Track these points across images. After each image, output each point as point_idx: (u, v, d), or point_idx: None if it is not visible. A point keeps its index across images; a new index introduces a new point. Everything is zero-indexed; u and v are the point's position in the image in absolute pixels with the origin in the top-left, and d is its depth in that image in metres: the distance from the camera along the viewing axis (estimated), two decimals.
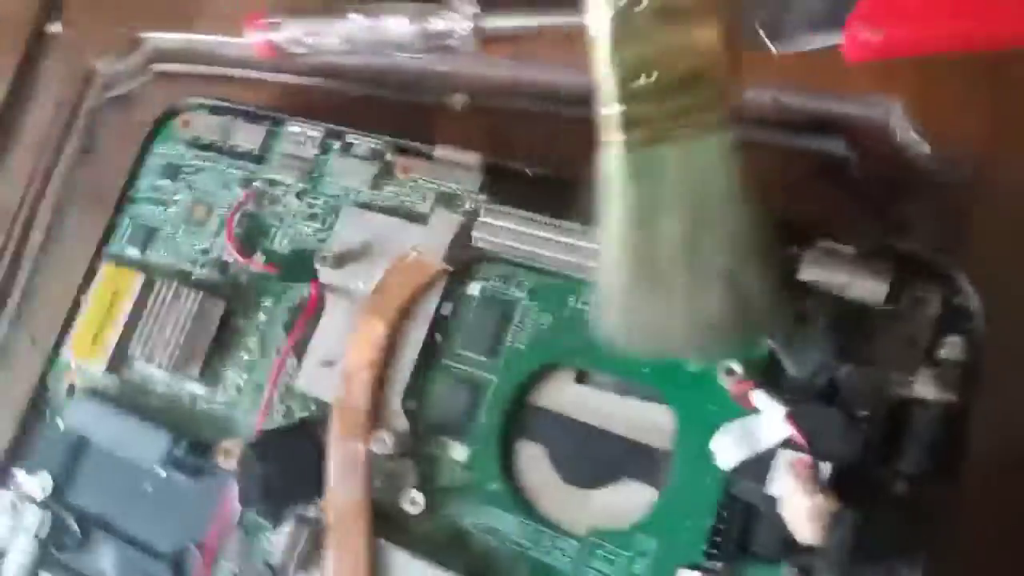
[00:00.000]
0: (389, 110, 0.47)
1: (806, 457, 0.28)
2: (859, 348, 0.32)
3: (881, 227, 0.35)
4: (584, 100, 0.44)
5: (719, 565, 0.32)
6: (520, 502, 0.36)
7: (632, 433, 0.36)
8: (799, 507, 0.27)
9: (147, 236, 0.47)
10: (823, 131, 0.40)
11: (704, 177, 0.27)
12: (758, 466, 0.31)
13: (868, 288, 0.32)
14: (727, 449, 0.30)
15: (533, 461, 0.37)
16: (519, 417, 0.38)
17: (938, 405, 0.31)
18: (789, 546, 0.30)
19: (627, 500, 0.35)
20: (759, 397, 0.30)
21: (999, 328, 0.31)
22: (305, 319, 0.41)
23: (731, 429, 0.31)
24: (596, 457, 0.36)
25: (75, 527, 0.44)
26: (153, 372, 0.44)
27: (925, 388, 0.31)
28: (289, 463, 0.39)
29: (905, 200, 0.37)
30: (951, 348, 0.31)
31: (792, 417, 0.29)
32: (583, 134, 0.43)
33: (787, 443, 0.29)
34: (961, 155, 0.37)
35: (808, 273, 0.33)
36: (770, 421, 0.30)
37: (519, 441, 0.38)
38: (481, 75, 0.46)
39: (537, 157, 0.41)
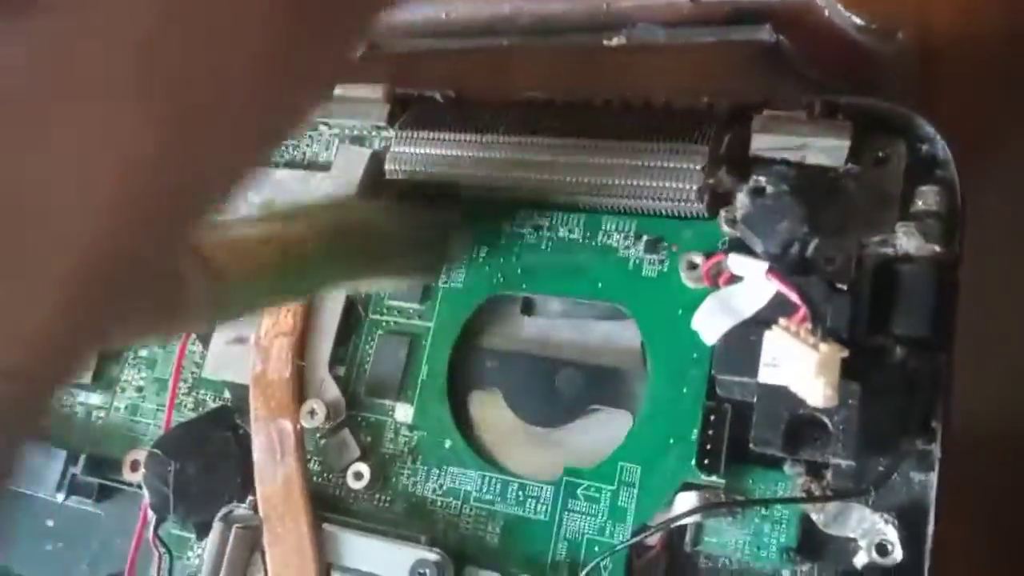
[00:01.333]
0: None
1: (799, 311, 0.25)
2: (829, 215, 0.29)
3: (826, 94, 0.32)
4: (490, 31, 0.41)
5: (718, 479, 0.28)
6: (480, 456, 0.32)
7: (594, 358, 0.32)
8: (805, 367, 0.23)
9: None
10: (747, 21, 0.37)
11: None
12: (743, 358, 0.27)
13: (827, 149, 0.29)
14: (710, 322, 0.27)
15: (489, 410, 0.33)
16: (466, 364, 0.33)
17: (924, 259, 0.28)
18: (790, 441, 0.27)
19: (601, 432, 0.31)
20: (736, 260, 0.27)
21: (971, 169, 0.29)
22: None
23: (710, 303, 0.27)
24: (559, 391, 0.32)
25: None
26: None
27: (907, 242, 0.28)
28: (206, 458, 0.33)
29: (845, 71, 0.35)
30: (926, 198, 0.28)
31: (774, 271, 0.26)
32: (486, 63, 0.40)
33: (772, 316, 0.26)
34: (893, 20, 0.35)
35: (759, 143, 0.30)
36: (751, 284, 0.26)
37: (470, 393, 0.33)
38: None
39: (446, 86, 0.37)
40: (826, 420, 0.26)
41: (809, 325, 0.25)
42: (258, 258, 0.27)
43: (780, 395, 0.26)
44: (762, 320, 0.27)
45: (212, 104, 0.14)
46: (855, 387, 0.26)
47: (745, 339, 0.27)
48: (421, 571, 0.29)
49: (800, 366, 0.24)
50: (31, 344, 0.13)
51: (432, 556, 0.29)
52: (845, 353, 0.24)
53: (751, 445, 0.26)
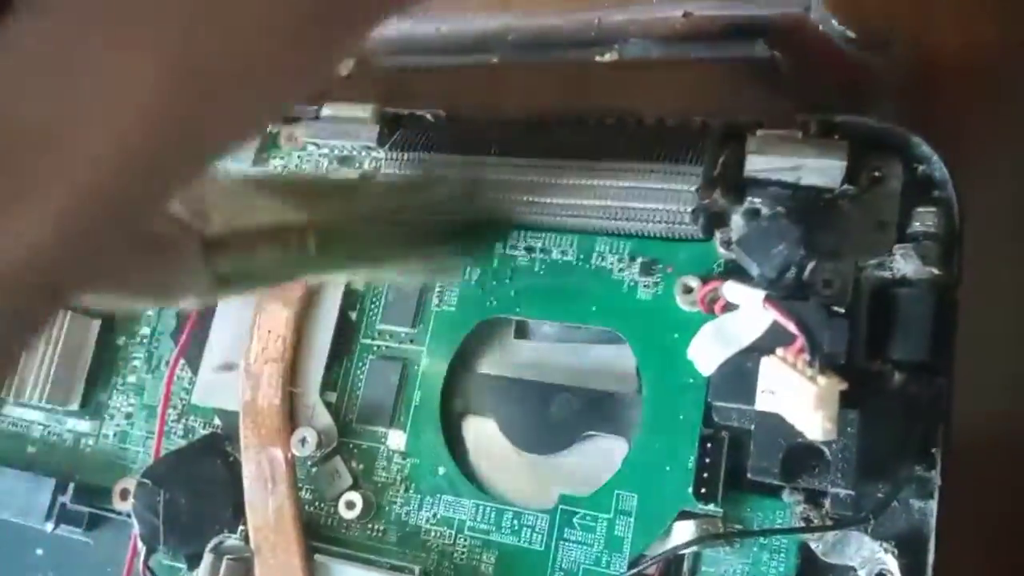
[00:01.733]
0: None
1: (797, 341, 0.24)
2: (825, 237, 0.28)
3: (822, 112, 0.32)
4: (480, 47, 0.40)
5: (716, 508, 0.27)
6: (474, 484, 0.31)
7: (589, 382, 0.31)
8: (804, 400, 0.23)
9: None
10: (742, 36, 0.37)
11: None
12: (739, 385, 0.27)
13: (823, 169, 0.28)
14: (706, 352, 0.26)
15: (483, 437, 0.32)
16: (459, 389, 0.33)
17: (922, 281, 0.27)
18: (788, 469, 0.26)
19: (596, 458, 0.31)
20: (731, 288, 0.26)
21: (970, 191, 0.28)
22: (193, 323, 0.35)
23: (707, 332, 0.26)
24: (553, 417, 0.31)
25: None
26: (24, 414, 0.38)
27: (905, 265, 0.27)
28: (196, 487, 0.33)
29: (841, 86, 0.34)
30: (923, 219, 0.28)
31: (771, 300, 0.25)
32: (476, 81, 0.39)
33: (769, 344, 0.25)
34: (887, 33, 0.34)
35: (754, 164, 0.29)
36: (747, 312, 0.26)
37: (464, 418, 0.33)
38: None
39: (436, 104, 0.36)
40: (824, 449, 0.25)
41: (807, 356, 0.24)
42: (264, 232, 0.26)
43: (777, 423, 0.26)
44: (759, 348, 0.27)
45: (225, 59, 0.14)
46: (853, 415, 0.25)
47: (742, 366, 0.27)
48: None
49: (798, 398, 0.23)
50: (23, 259, 0.14)
51: None
52: (844, 386, 0.24)
53: (748, 474, 0.26)
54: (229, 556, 0.31)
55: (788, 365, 0.24)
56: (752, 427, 0.26)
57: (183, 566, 0.33)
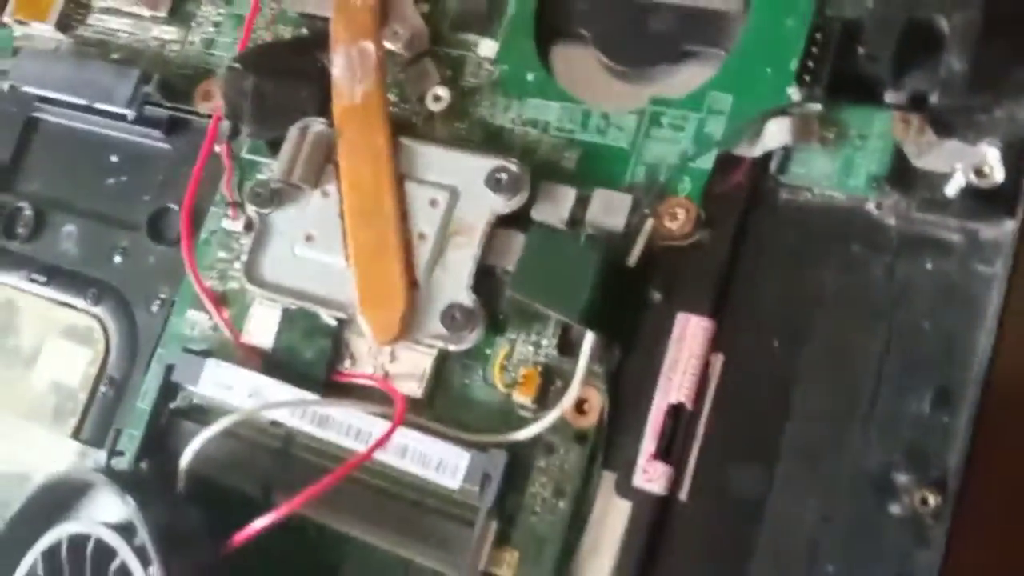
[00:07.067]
0: None
1: None
2: None
3: None
4: None
5: (814, 105, 0.27)
6: (563, 88, 0.31)
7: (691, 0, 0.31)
8: None
9: None
10: None
11: None
12: None
13: None
14: None
15: (576, 57, 0.32)
16: (554, 5, 0.32)
17: None
18: (901, 52, 0.26)
19: (693, 71, 0.30)
20: None
21: None
22: None
23: None
24: (651, 32, 0.31)
25: (28, 211, 0.38)
26: (111, 22, 0.38)
27: None
28: (284, 78, 0.33)
29: None
30: None
31: None
32: None
33: None
34: None
35: None
36: None
37: (557, 40, 0.33)
38: None
39: None
40: (944, 23, 0.25)
41: None
42: None
43: None
44: None
45: None
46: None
47: None
48: (499, 176, 0.29)
49: None
50: None
51: (512, 165, 0.29)
52: None
53: (860, 49, 0.25)
54: (314, 131, 0.31)
55: None
56: (869, 3, 0.25)
57: (263, 159, 0.34)
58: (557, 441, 0.28)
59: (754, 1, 0.29)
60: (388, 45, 0.32)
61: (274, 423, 0.30)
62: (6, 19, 0.39)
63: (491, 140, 0.31)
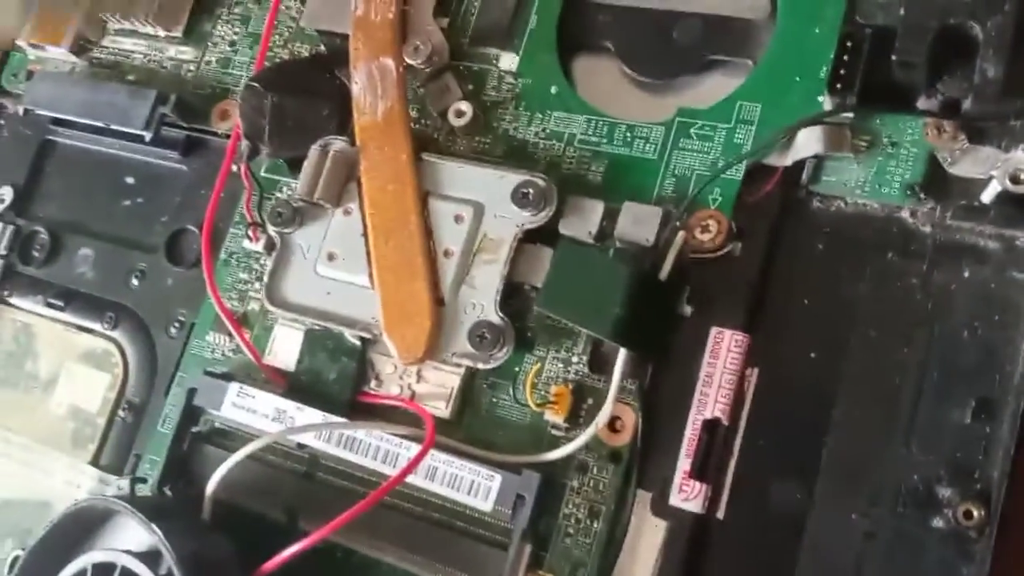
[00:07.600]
0: None
1: None
2: None
3: None
4: None
5: (845, 114, 0.26)
6: (587, 101, 0.31)
7: (716, 9, 0.30)
8: None
9: None
10: None
11: None
12: None
13: None
14: None
15: (598, 69, 0.32)
16: (576, 18, 0.32)
17: None
18: (934, 57, 0.25)
19: (718, 80, 0.30)
20: None
21: None
22: None
23: None
24: (675, 42, 0.31)
25: (44, 234, 0.38)
26: (126, 44, 0.38)
27: None
28: (303, 97, 0.32)
29: None
30: None
31: None
32: None
33: None
34: None
35: None
36: None
37: (579, 52, 0.32)
38: None
39: None
40: (977, 29, 0.24)
41: None
42: None
43: (929, 3, 0.25)
44: None
45: None
46: None
47: None
48: (524, 190, 0.28)
49: None
50: None
51: (538, 179, 0.29)
52: None
53: (893, 56, 0.25)
54: (335, 150, 0.31)
55: None
56: (901, 11, 0.25)
57: (282, 178, 0.33)
58: (591, 460, 0.27)
59: (781, 9, 0.29)
60: (408, 60, 0.31)
61: (300, 446, 0.29)
62: (21, 43, 0.38)
63: (515, 154, 0.31)
